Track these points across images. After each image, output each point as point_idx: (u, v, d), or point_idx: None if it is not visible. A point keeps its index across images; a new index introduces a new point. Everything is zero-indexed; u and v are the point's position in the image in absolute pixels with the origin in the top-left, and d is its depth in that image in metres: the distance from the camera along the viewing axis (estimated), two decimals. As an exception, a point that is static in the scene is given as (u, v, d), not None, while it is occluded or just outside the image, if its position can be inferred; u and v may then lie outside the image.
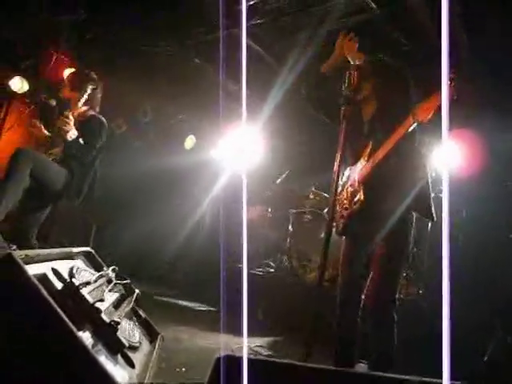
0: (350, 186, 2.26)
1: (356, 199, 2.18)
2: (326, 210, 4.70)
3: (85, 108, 3.22)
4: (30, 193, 2.81)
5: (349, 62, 2.25)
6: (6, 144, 4.68)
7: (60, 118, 2.91)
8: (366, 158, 2.19)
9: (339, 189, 2.34)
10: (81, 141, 3.01)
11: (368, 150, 2.19)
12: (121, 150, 5.72)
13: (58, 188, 2.95)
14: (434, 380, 0.88)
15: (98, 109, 3.31)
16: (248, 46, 4.38)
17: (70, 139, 2.92)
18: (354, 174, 2.25)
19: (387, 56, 2.27)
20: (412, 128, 2.06)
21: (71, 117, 2.91)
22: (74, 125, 3.01)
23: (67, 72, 4.45)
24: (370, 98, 2.25)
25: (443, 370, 0.74)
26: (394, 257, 2.08)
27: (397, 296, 2.10)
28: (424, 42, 3.63)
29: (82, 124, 3.10)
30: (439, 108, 1.95)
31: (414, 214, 2.17)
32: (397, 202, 2.06)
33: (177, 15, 4.30)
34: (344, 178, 2.34)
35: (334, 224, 2.24)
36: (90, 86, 3.16)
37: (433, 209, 2.15)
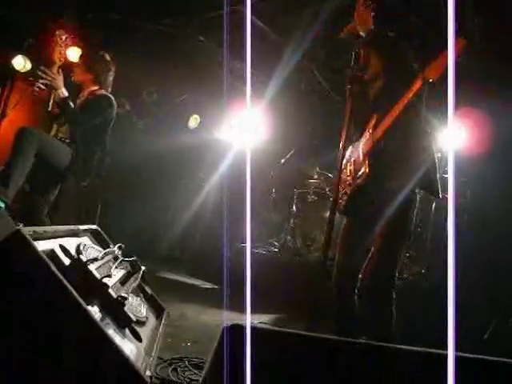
0: (354, 162, 2.23)
1: (360, 173, 2.13)
2: (327, 188, 4.72)
3: (95, 87, 3.20)
4: (38, 172, 2.82)
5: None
6: (11, 123, 4.68)
7: (46, 74, 2.89)
8: (370, 131, 2.13)
9: (342, 167, 2.31)
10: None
11: (373, 122, 2.13)
12: (125, 130, 5.71)
13: (65, 167, 2.95)
14: (440, 351, 0.90)
15: (109, 90, 3.27)
16: (252, 23, 4.31)
17: (61, 95, 2.91)
18: (358, 149, 2.22)
19: (395, 30, 2.22)
20: (419, 94, 2.00)
21: (55, 71, 2.90)
22: (82, 103, 3.03)
23: (71, 51, 4.41)
24: (379, 75, 2.20)
25: (448, 341, 0.75)
26: (395, 235, 2.06)
27: (396, 274, 2.10)
28: (432, 18, 3.56)
29: (90, 100, 3.10)
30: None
31: (417, 193, 2.16)
32: (401, 177, 2.03)
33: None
34: (346, 156, 2.30)
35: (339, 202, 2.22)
36: (103, 67, 3.17)
37: (439, 185, 2.12)
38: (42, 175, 2.91)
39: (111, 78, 3.28)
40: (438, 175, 2.12)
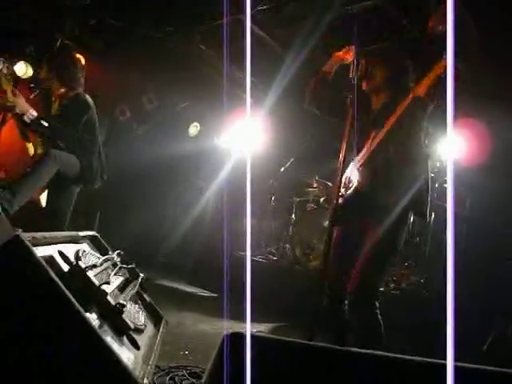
0: (351, 176, 2.25)
1: (350, 186, 2.16)
2: (322, 199, 4.73)
3: (64, 90, 3.06)
4: (60, 187, 2.97)
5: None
6: (12, 128, 4.69)
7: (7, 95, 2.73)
8: (367, 147, 2.16)
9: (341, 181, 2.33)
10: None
11: (371, 139, 2.15)
12: (125, 137, 5.73)
13: (77, 176, 3.03)
14: (438, 360, 0.90)
15: (81, 90, 3.11)
16: (253, 33, 4.35)
17: (31, 117, 2.74)
18: (356, 164, 2.24)
19: (394, 43, 2.24)
20: (414, 112, 2.02)
21: (10, 94, 2.71)
22: (58, 107, 2.99)
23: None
24: (381, 88, 2.22)
25: (447, 350, 0.75)
26: (383, 250, 2.05)
27: (380, 288, 2.09)
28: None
29: (65, 106, 2.99)
30: (437, 82, 1.93)
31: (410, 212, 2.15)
32: (392, 194, 2.03)
33: (182, 1, 4.26)
34: (348, 169, 2.32)
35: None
36: (71, 66, 3.06)
37: (428, 208, 2.13)
38: (63, 190, 3.05)
39: (82, 79, 3.12)
40: (428, 199, 2.12)
